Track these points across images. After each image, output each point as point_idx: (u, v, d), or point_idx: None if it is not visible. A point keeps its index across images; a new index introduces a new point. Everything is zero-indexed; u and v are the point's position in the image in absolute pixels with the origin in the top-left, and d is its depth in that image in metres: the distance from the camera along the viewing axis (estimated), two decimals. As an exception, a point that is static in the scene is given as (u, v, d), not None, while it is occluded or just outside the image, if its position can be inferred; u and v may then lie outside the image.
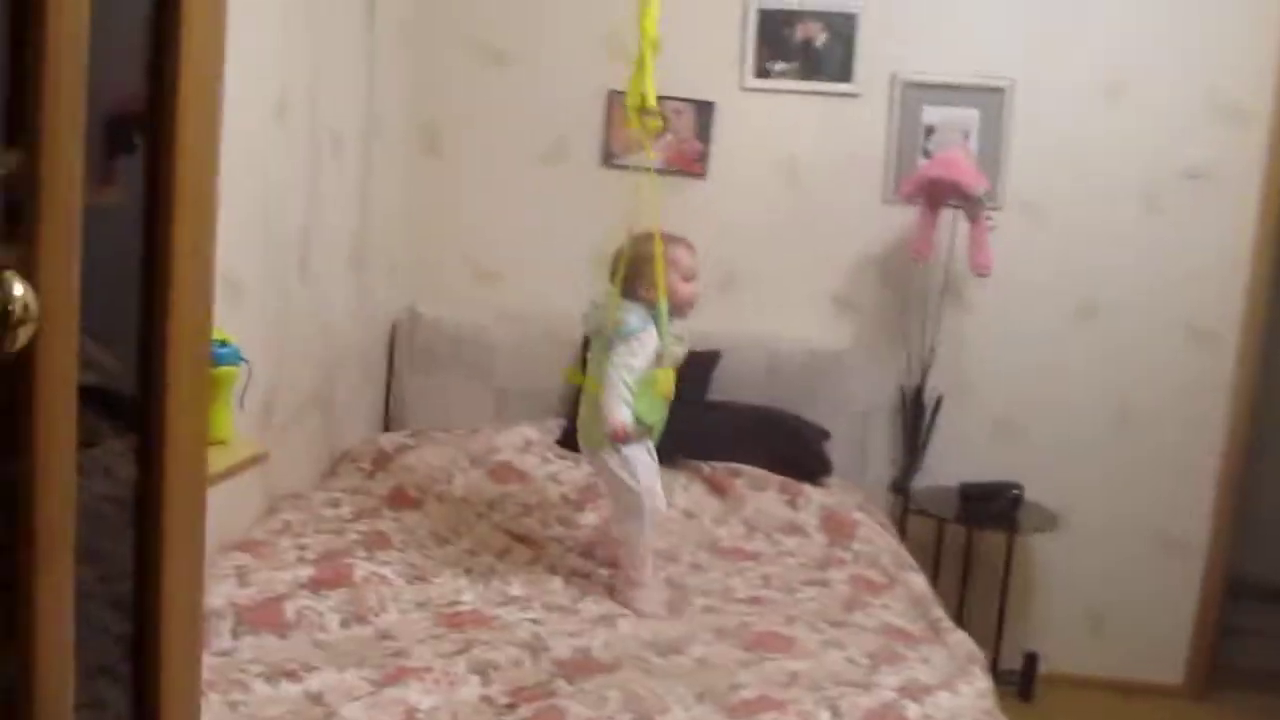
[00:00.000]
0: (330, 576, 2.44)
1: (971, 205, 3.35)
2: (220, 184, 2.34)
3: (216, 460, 1.70)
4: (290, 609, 2.24)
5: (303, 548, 2.65)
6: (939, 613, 2.56)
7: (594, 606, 2.52)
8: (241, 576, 2.37)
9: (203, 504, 1.24)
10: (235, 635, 2.12)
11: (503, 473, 3.19)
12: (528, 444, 3.34)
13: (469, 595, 2.49)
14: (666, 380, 2.58)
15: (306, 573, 2.44)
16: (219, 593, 2.28)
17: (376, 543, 2.76)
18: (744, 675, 2.14)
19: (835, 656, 2.26)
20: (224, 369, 1.79)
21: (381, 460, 3.28)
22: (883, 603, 2.64)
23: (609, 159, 3.78)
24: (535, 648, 2.20)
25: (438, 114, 3.83)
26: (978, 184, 3.28)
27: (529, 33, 3.79)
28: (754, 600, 2.62)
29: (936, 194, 3.39)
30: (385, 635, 2.25)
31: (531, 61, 3.75)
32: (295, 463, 3.12)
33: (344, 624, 2.27)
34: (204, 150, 1.14)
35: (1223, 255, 3.72)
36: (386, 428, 3.78)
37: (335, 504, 3.00)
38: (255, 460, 1.80)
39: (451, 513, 3.00)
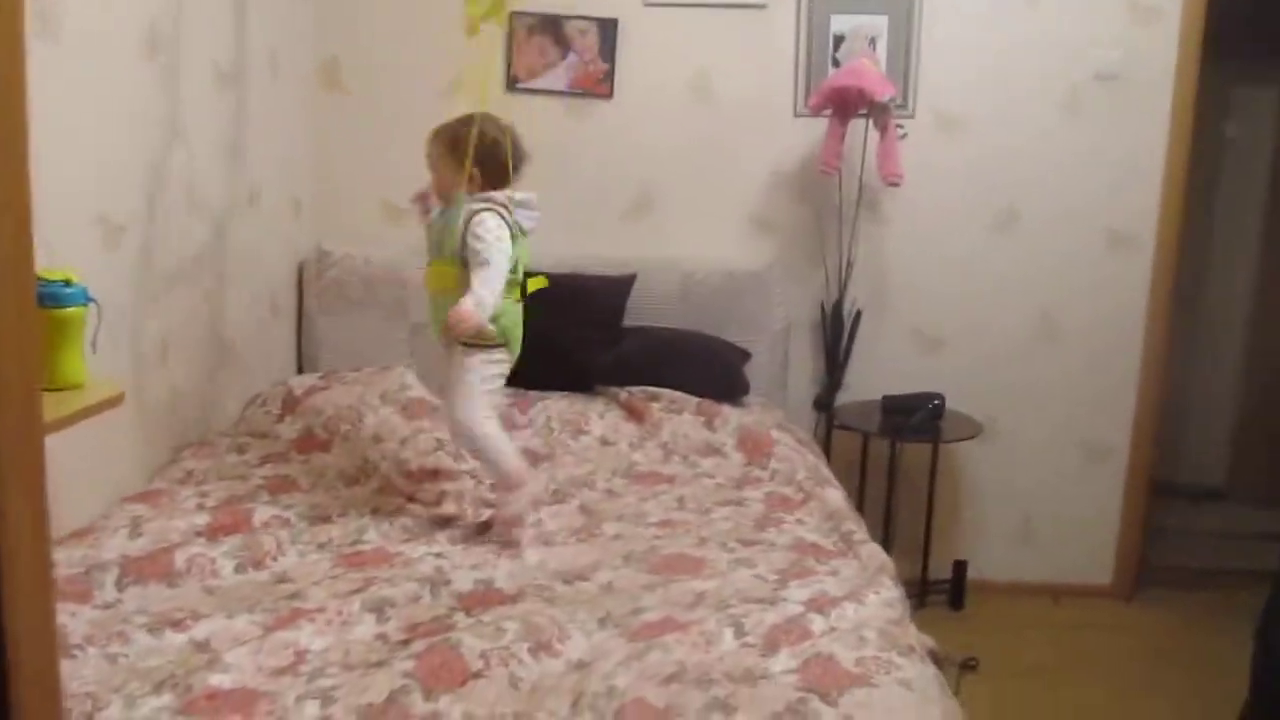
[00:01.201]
0: (228, 523, 2.38)
1: (879, 113, 3.29)
2: (83, 120, 2.24)
3: (65, 405, 1.62)
4: (181, 557, 2.17)
5: (204, 495, 2.59)
6: (852, 526, 2.54)
7: (499, 538, 2.47)
8: (134, 528, 2.30)
9: (38, 449, 1.17)
10: (120, 587, 2.05)
11: (416, 408, 3.11)
12: (441, 379, 3.26)
13: (372, 534, 2.43)
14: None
15: (203, 520, 2.37)
16: (109, 546, 2.21)
17: (281, 487, 2.70)
18: (648, 599, 2.11)
19: (744, 575, 2.23)
20: (69, 310, 1.69)
21: (290, 403, 3.19)
22: (797, 518, 2.62)
23: (513, 84, 3.67)
24: (436, 582, 2.15)
25: (340, 48, 3.69)
26: (884, 91, 3.21)
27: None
28: (666, 524, 2.57)
29: (845, 105, 3.32)
30: (281, 579, 2.19)
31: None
32: (199, 408, 3.03)
33: (238, 569, 2.20)
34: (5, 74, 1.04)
35: (1140, 158, 3.69)
36: (300, 370, 3.69)
37: (241, 450, 2.93)
38: (110, 403, 1.71)
39: (360, 452, 2.93)
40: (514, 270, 2.44)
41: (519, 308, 2.50)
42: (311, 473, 2.82)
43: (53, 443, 2.18)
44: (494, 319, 2.40)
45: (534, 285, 2.55)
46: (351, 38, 3.67)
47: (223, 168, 3.07)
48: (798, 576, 2.22)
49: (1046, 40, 3.62)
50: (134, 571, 2.10)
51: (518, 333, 2.51)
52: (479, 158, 2.43)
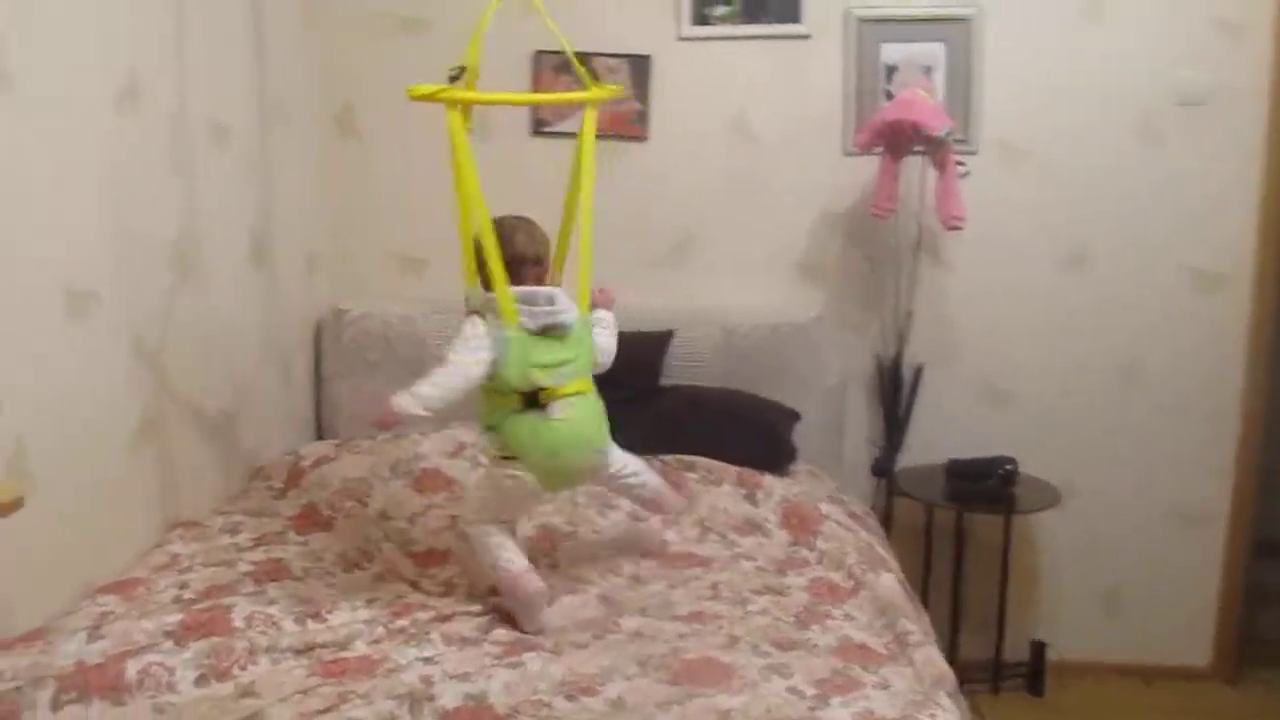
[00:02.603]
0: (201, 621, 2.12)
1: (936, 149, 2.97)
2: (41, 179, 2.03)
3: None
4: (133, 668, 1.91)
5: (183, 585, 2.34)
6: (908, 624, 2.20)
7: (505, 635, 2.18)
8: (95, 628, 2.05)
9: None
10: (56, 707, 1.80)
11: (428, 481, 2.86)
12: (459, 448, 2.99)
13: (363, 634, 2.16)
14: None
15: (174, 618, 2.12)
16: (61, 652, 1.97)
17: (272, 573, 2.45)
18: (664, 719, 1.80)
19: (777, 687, 1.91)
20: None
21: (295, 476, 2.96)
22: (845, 612, 2.29)
23: (539, 127, 3.42)
24: (418, 699, 1.87)
25: (350, 95, 3.48)
26: (939, 124, 2.90)
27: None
28: (696, 617, 2.27)
29: (897, 141, 3.01)
30: (246, 692, 1.92)
31: (443, 26, 3.37)
32: (196, 484, 2.80)
33: (199, 681, 1.94)
34: None
35: (1227, 189, 3.33)
36: (320, 437, 3.46)
37: (234, 530, 2.69)
38: (9, 507, 1.46)
39: (364, 533, 2.68)
40: (505, 375, 2.18)
41: (528, 419, 2.22)
42: (308, 556, 2.57)
43: (16, 527, 2.00)
44: (493, 428, 2.24)
45: (557, 389, 2.24)
46: (363, 82, 3.45)
47: (219, 226, 2.86)
48: (840, 690, 1.90)
49: (1118, 63, 3.28)
50: (77, 686, 1.85)
51: (526, 446, 2.23)
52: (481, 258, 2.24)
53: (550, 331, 2.24)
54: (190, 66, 2.67)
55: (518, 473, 2.25)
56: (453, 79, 2.19)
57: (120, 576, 2.37)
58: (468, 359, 2.17)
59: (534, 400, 2.21)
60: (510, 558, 2.27)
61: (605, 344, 2.41)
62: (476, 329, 2.20)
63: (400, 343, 3.36)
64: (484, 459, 2.33)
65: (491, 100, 2.29)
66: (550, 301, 2.26)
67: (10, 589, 2.12)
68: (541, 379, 2.20)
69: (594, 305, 2.41)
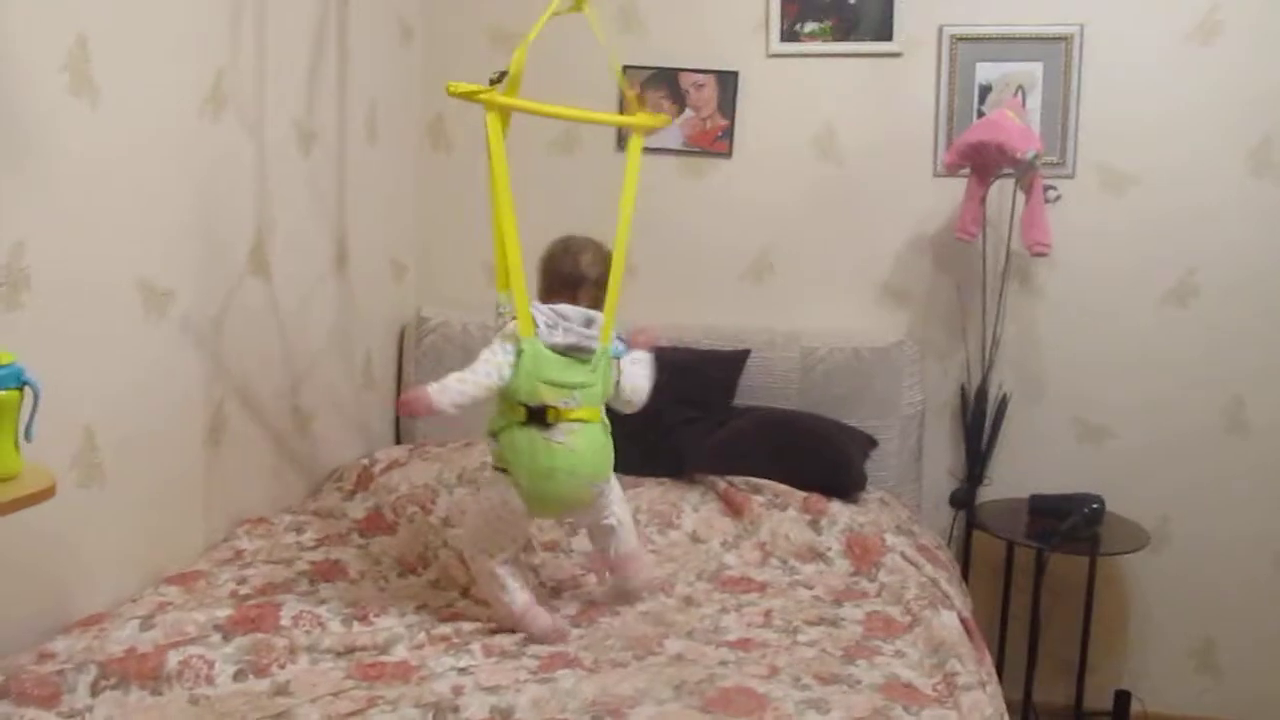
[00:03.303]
0: (251, 617, 2.16)
1: (1024, 172, 2.87)
2: (125, 182, 2.10)
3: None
4: (174, 659, 1.95)
5: (241, 581, 2.39)
6: (958, 665, 2.11)
7: (545, 649, 2.17)
8: (149, 618, 2.10)
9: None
10: (94, 692, 1.84)
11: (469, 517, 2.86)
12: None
13: (404, 639, 2.16)
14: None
15: (225, 612, 2.16)
16: (113, 639, 2.01)
17: (328, 574, 2.49)
18: (685, 749, 1.76)
19: (810, 723, 1.85)
20: None
21: (365, 479, 3.00)
22: (896, 648, 2.21)
23: (624, 142, 3.40)
24: (442, 709, 1.86)
25: (446, 107, 3.51)
26: (1026, 146, 2.79)
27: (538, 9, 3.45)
28: (742, 644, 2.22)
29: (983, 162, 2.92)
30: (280, 691, 1.94)
31: (542, 40, 3.38)
32: (269, 482, 2.86)
33: (237, 676, 1.96)
34: None
35: (1349, 222, 3.13)
36: (398, 441, 3.51)
37: (300, 529, 2.74)
38: (39, 496, 1.51)
39: (425, 539, 2.69)
40: (514, 390, 2.18)
41: (526, 434, 2.18)
42: (367, 558, 2.60)
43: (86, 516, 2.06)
44: (495, 434, 2.23)
45: (564, 411, 2.20)
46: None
47: (304, 230, 2.92)
48: (875, 730, 1.83)
49: (1230, 86, 3.12)
50: (118, 672, 1.89)
51: (521, 463, 2.19)
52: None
53: (573, 352, 2.21)
54: (277, 74, 2.73)
55: (507, 490, 2.22)
56: (493, 82, 2.19)
57: (185, 568, 2.43)
58: (499, 359, 2.17)
59: (540, 417, 2.17)
60: (512, 597, 2.24)
61: (637, 382, 2.32)
62: (511, 331, 2.20)
63: (477, 350, 3.37)
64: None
65: (526, 108, 2.29)
66: (588, 324, 2.23)
67: (80, 575, 2.19)
68: (549, 397, 2.17)
69: (633, 346, 2.35)
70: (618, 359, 2.29)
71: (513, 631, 2.24)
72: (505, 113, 2.25)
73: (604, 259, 2.32)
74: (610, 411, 2.31)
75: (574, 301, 2.26)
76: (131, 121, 2.22)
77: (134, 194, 2.25)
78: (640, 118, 2.40)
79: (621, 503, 2.37)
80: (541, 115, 2.31)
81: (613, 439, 2.29)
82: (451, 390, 2.15)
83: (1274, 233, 3.16)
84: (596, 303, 2.29)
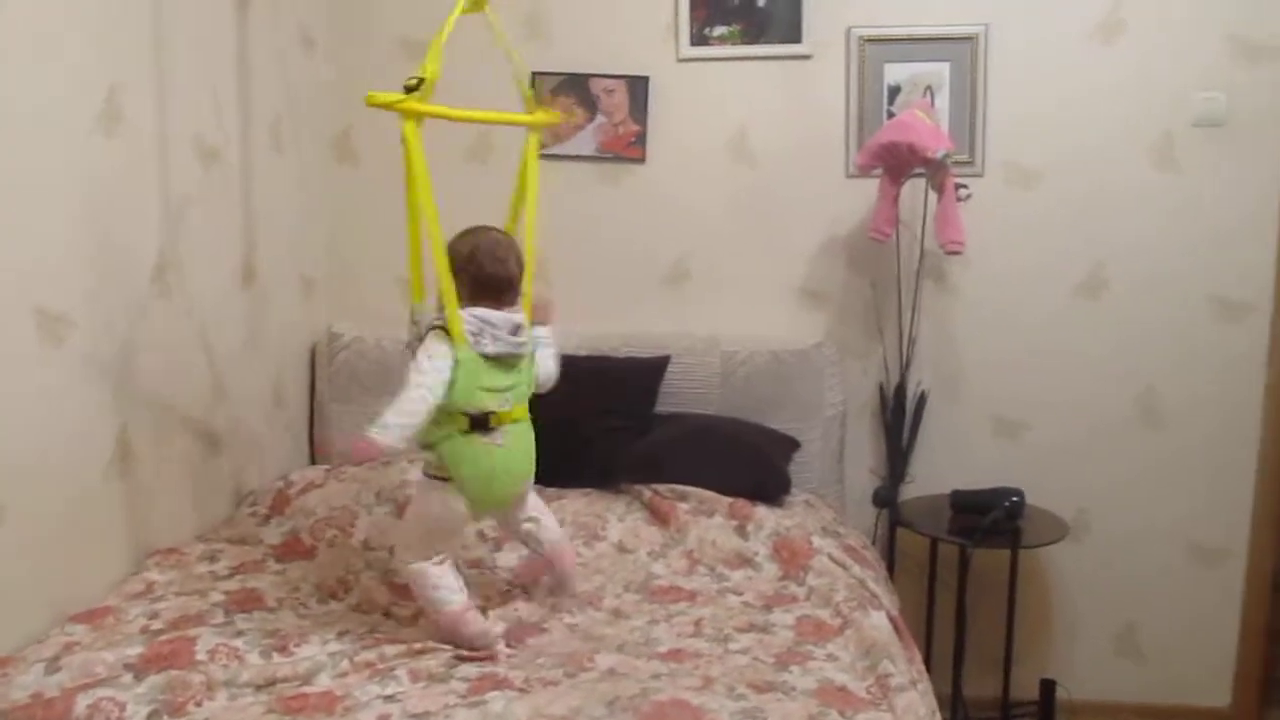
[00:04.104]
0: (163, 654, 2.06)
1: (936, 171, 2.89)
2: (13, 202, 1.99)
3: None
4: (83, 703, 1.86)
5: (154, 615, 2.29)
6: (891, 666, 2.11)
7: (474, 671, 2.11)
8: (55, 660, 2.00)
9: None
10: (-1, 745, 1.75)
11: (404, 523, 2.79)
12: (448, 475, 2.93)
13: (327, 668, 2.09)
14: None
15: (137, 650, 2.06)
16: (17, 684, 1.92)
17: (245, 603, 2.39)
18: (623, 766, 1.72)
19: (747, 733, 1.83)
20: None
21: (281, 502, 2.91)
22: (828, 652, 2.20)
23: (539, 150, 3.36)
24: (370, 740, 1.80)
25: (354, 118, 3.44)
26: (937, 145, 2.82)
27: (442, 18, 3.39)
28: (674, 655, 2.19)
29: (896, 162, 2.93)
30: (197, 731, 1.86)
31: (450, 50, 3.32)
32: (180, 510, 2.76)
33: (151, 717, 1.88)
34: None
35: (1250, 214, 3.22)
36: (314, 461, 3.42)
37: (214, 558, 2.64)
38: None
39: (345, 562, 2.62)
40: (453, 402, 2.14)
41: (468, 442, 2.18)
42: (285, 585, 2.52)
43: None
44: (431, 445, 2.19)
45: (504, 414, 2.22)
46: (362, 105, 3.41)
47: (209, 248, 2.82)
48: (813, 737, 1.81)
49: (1131, 83, 3.19)
50: (23, 721, 1.80)
51: (465, 470, 2.19)
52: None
53: (505, 358, 2.20)
54: (174, 87, 2.63)
55: (446, 496, 2.21)
56: (409, 89, 2.14)
57: (93, 605, 2.33)
58: (430, 380, 2.12)
59: (483, 424, 2.17)
60: (448, 596, 2.22)
61: (548, 368, 2.38)
62: (440, 347, 2.14)
63: (395, 367, 3.31)
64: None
65: (442, 114, 2.25)
66: (515, 331, 2.22)
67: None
68: (489, 403, 2.17)
69: (536, 321, 2.35)
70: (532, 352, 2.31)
71: (441, 647, 2.19)
72: (420, 120, 2.20)
73: (521, 255, 2.30)
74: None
75: (498, 305, 2.22)
76: (18, 141, 2.11)
77: (23, 216, 2.14)
78: (537, 115, 2.39)
79: (534, 495, 2.41)
80: (450, 119, 2.27)
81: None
82: (393, 428, 2.09)
83: (1178, 225, 3.24)
84: (516, 302, 2.26)
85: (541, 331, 2.37)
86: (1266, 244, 3.22)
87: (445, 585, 2.23)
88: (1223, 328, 3.26)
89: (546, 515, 2.43)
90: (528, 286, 2.31)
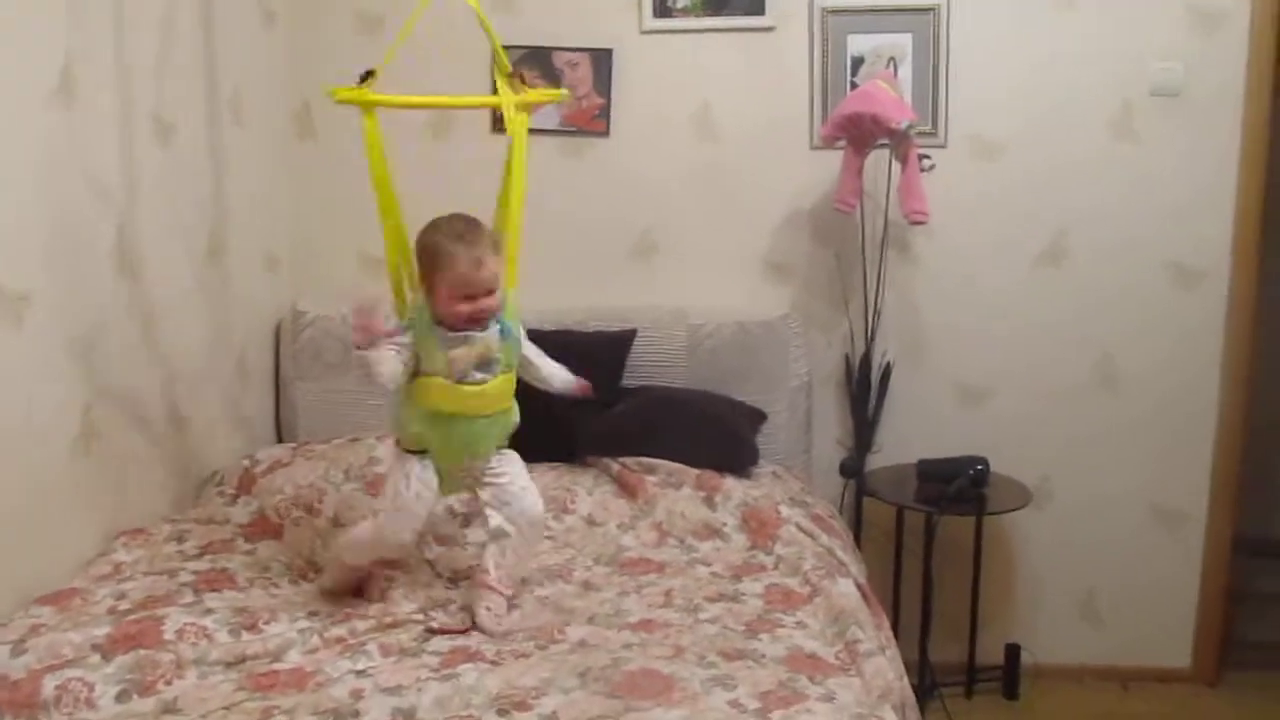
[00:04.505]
0: (131, 634, 2.05)
1: (899, 142, 2.90)
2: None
3: None
4: (51, 684, 1.85)
5: (121, 596, 2.27)
6: (859, 632, 2.14)
7: (445, 644, 2.12)
8: (21, 642, 1.98)
9: None
10: (-35, 726, 1.74)
11: (381, 486, 2.78)
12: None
13: (297, 645, 2.09)
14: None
15: (103, 631, 2.05)
16: (-18, 667, 1.90)
17: (214, 583, 2.37)
18: (596, 735, 1.74)
19: (719, 700, 1.85)
20: None
21: (248, 481, 2.89)
22: (797, 620, 2.22)
23: (499, 123, 3.35)
24: (343, 714, 1.80)
25: (313, 93, 3.39)
26: (900, 116, 2.83)
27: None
28: (644, 625, 2.20)
29: (861, 134, 2.94)
30: (168, 709, 1.85)
31: (398, 24, 3.26)
32: (145, 490, 2.73)
33: (120, 697, 1.87)
34: None
35: (1206, 182, 3.26)
36: (280, 439, 3.39)
37: (181, 538, 2.62)
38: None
39: (314, 540, 2.61)
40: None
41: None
42: (254, 565, 2.51)
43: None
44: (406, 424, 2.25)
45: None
46: (321, 80, 3.37)
47: (167, 225, 2.79)
48: (784, 703, 1.83)
49: (1091, 53, 3.21)
50: (-10, 704, 1.79)
51: (433, 443, 2.25)
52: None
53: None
54: (131, 62, 2.60)
55: (423, 468, 2.25)
56: (362, 80, 2.14)
57: (59, 586, 2.31)
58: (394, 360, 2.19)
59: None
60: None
61: (554, 370, 2.43)
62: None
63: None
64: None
65: (411, 104, 2.25)
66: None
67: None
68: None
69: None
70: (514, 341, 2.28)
71: (412, 619, 2.20)
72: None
73: (497, 247, 2.26)
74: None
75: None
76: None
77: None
78: (529, 95, 2.35)
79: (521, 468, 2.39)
80: (419, 108, 2.28)
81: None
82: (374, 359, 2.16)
83: (1136, 192, 3.27)
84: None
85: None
86: (1222, 212, 3.26)
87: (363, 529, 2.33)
88: (1180, 294, 3.31)
89: (527, 490, 2.38)
90: (510, 265, 2.30)
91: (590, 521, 2.75)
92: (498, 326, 2.22)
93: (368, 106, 2.16)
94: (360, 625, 2.19)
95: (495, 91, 2.48)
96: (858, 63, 3.23)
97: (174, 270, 2.82)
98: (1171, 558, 3.42)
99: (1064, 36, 3.21)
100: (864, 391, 3.30)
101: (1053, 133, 3.26)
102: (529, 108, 2.36)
